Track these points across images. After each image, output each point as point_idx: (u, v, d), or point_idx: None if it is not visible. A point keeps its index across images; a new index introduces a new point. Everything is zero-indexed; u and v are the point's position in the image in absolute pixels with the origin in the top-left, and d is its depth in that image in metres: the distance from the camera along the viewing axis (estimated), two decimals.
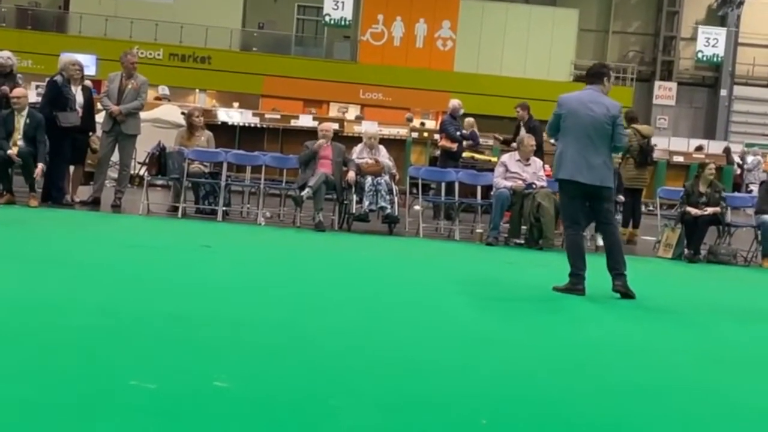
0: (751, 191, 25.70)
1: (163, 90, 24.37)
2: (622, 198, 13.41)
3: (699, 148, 29.73)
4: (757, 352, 6.73)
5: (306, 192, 12.85)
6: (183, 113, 17.10)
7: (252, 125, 20.96)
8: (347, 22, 36.37)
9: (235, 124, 20.90)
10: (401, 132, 21.18)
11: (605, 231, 8.78)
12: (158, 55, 36.71)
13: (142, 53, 33.29)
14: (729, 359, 6.28)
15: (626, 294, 8.35)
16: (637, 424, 4.35)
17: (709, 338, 7.21)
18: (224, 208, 13.61)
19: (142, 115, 14.77)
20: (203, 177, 13.81)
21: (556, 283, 8.57)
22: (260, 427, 3.82)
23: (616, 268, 8.44)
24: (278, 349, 5.32)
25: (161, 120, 18.64)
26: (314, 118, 21.07)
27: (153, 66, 32.19)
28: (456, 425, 4.08)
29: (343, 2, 35.73)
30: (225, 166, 13.70)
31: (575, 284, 8.45)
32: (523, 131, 15.75)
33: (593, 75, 8.74)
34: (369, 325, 6.42)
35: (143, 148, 14.95)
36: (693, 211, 12.73)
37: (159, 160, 13.90)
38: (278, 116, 21.80)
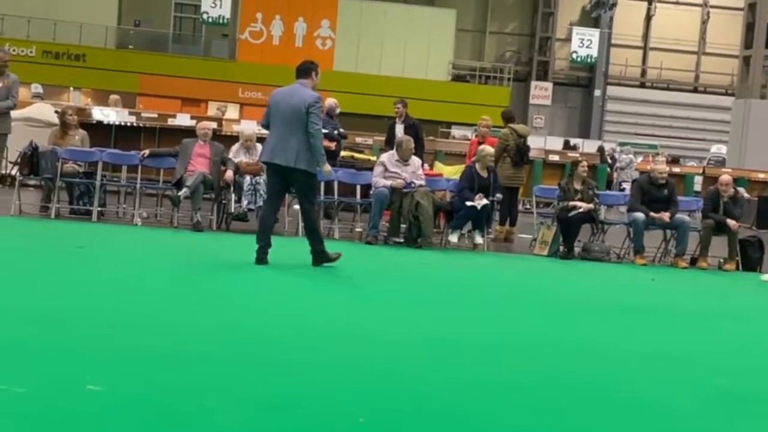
0: (623, 189, 26.41)
1: (36, 88, 23.79)
2: (499, 196, 13.57)
3: (568, 145, 30.26)
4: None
5: (183, 192, 12.68)
6: (56, 112, 16.71)
7: (128, 124, 20.61)
8: (225, 20, 36.13)
9: (111, 122, 20.53)
10: None
11: (301, 212, 9.92)
12: (31, 52, 35.87)
13: (14, 50, 32.36)
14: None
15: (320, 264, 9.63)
16: None
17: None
18: (99, 209, 13.34)
19: (14, 113, 14.39)
20: (77, 177, 13.53)
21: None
22: (134, 430, 3.76)
23: (313, 245, 9.64)
24: (152, 351, 5.25)
25: (34, 119, 18.17)
26: (192, 117, 20.79)
27: (26, 63, 31.48)
28: (332, 423, 4.09)
29: (221, 0, 35.46)
30: (100, 165, 13.44)
31: (258, 254, 9.48)
32: (399, 131, 15.82)
33: (303, 71, 9.73)
34: (244, 325, 6.39)
35: (15, 147, 14.54)
36: (573, 204, 12.93)
37: (31, 160, 13.53)
38: (155, 115, 21.47)
